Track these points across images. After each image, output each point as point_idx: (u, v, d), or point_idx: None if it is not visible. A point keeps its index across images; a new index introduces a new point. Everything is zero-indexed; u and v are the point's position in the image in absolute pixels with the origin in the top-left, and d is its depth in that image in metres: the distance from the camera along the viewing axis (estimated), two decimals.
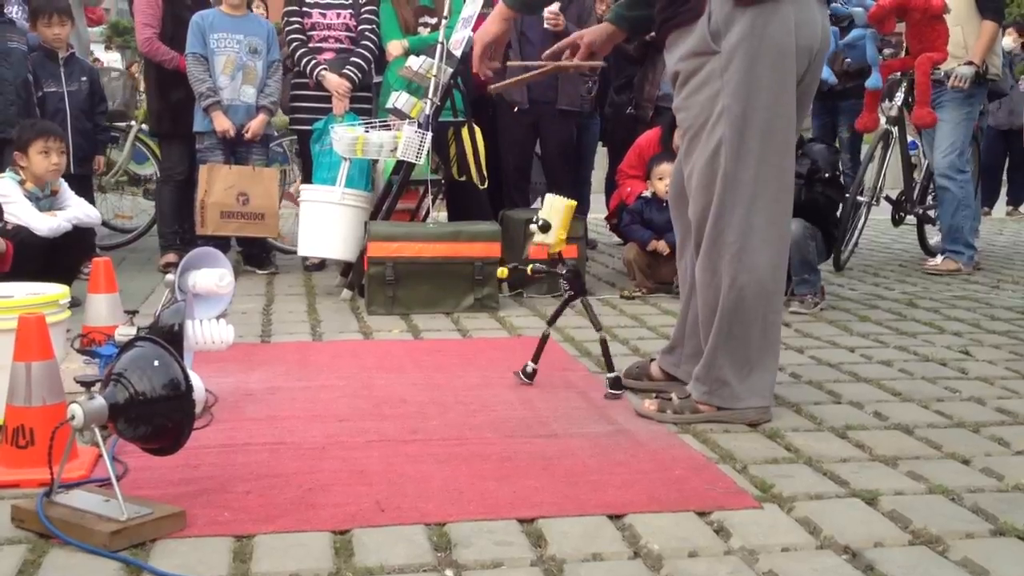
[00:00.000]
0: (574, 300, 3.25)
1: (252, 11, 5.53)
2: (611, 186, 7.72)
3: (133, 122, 6.57)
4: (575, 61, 3.13)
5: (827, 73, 5.97)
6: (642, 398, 2.98)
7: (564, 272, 3.21)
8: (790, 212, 2.86)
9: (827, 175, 4.58)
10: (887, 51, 5.78)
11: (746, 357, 2.81)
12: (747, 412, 2.82)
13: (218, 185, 5.26)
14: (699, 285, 2.87)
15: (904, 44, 5.73)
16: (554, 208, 3.09)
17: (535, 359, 3.22)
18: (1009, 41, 8.66)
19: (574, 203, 3.15)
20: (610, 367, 3.11)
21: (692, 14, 2.72)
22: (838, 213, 4.92)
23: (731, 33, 2.68)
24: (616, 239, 6.39)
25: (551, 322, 3.30)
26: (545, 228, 3.07)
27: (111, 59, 19.58)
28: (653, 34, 5.21)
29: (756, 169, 2.72)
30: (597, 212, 8.16)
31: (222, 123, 5.29)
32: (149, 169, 6.73)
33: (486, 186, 5.08)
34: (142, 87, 6.79)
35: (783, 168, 2.79)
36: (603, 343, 3.14)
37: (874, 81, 5.57)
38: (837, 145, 6.52)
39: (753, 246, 2.75)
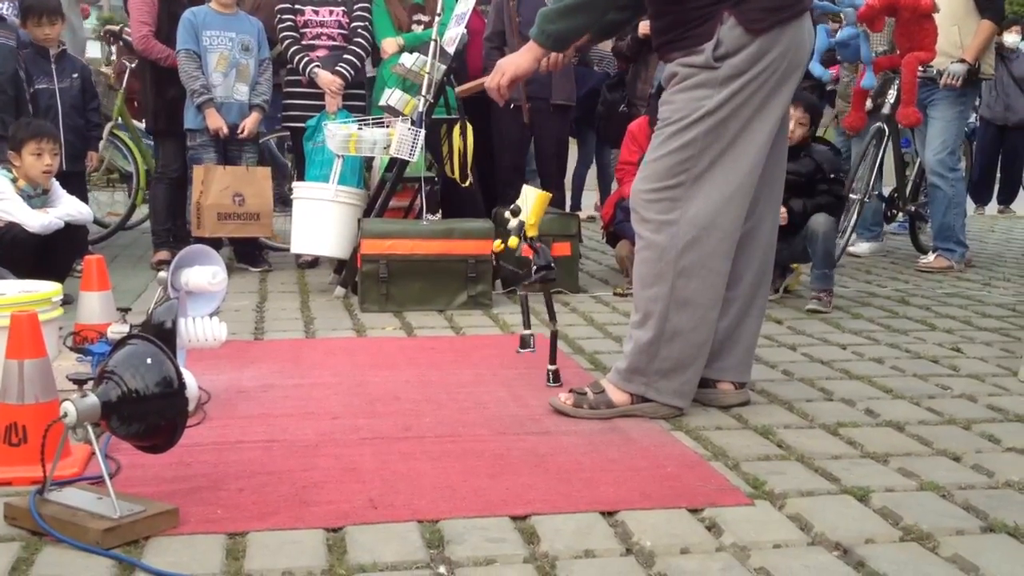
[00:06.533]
0: (547, 272, 3.19)
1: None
2: (603, 184, 7.76)
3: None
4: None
5: (820, 71, 5.96)
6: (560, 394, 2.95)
7: (535, 258, 3.19)
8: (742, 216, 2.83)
9: (831, 175, 4.59)
10: (880, 48, 5.77)
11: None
12: (662, 408, 2.83)
13: (214, 187, 5.21)
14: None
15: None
16: (528, 197, 3.14)
17: (552, 360, 3.18)
18: (1015, 37, 8.64)
19: (549, 194, 3.22)
20: (553, 360, 3.17)
21: (700, 40, 2.71)
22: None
23: (738, 55, 2.68)
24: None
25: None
26: (515, 212, 3.13)
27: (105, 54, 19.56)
28: (647, 32, 5.26)
29: (725, 176, 2.73)
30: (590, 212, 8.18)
31: (215, 121, 5.26)
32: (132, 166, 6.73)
33: (468, 184, 5.07)
34: (115, 83, 6.77)
35: (748, 180, 2.78)
36: (553, 336, 3.17)
37: (868, 80, 5.57)
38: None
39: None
